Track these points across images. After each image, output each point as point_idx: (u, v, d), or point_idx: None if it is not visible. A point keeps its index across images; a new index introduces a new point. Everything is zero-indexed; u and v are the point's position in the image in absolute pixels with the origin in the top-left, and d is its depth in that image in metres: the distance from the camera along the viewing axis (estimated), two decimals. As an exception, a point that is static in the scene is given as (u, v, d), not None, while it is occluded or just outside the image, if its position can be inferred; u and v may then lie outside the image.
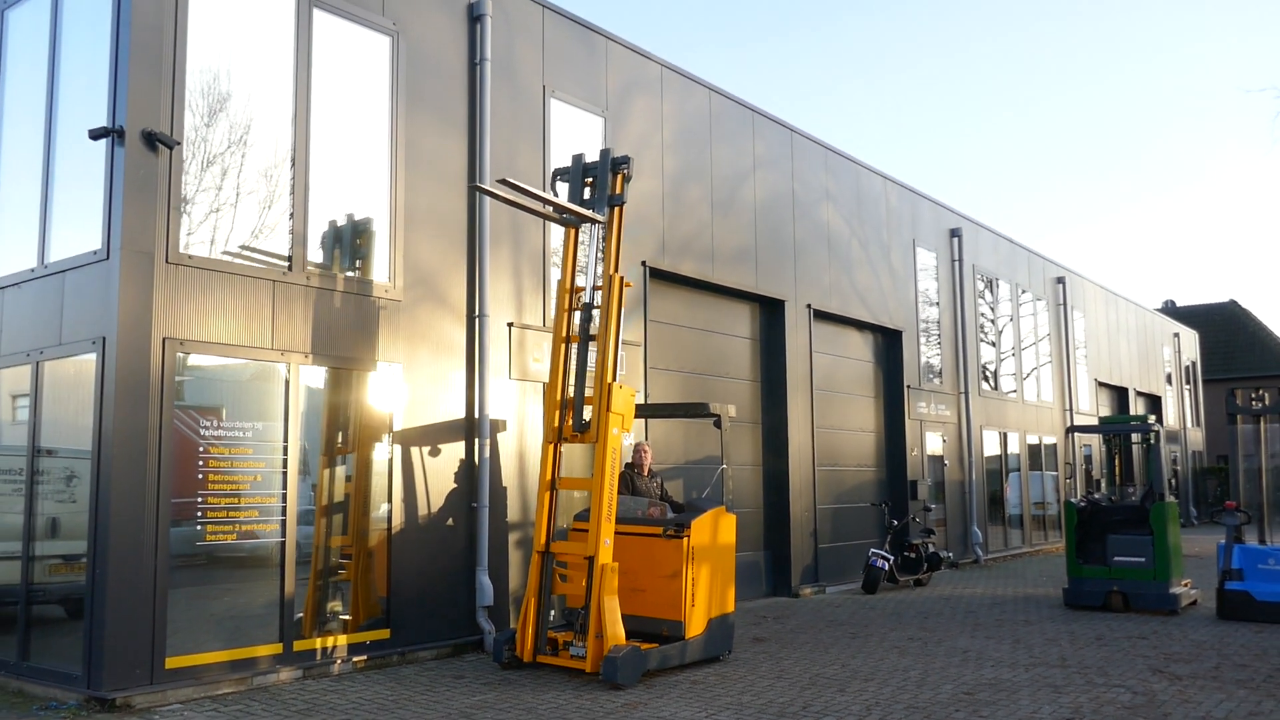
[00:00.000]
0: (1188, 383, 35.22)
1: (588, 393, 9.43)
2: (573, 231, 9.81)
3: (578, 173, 9.98)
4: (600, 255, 9.75)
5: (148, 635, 7.85)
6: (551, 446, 9.46)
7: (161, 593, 7.94)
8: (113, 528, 7.72)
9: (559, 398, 9.47)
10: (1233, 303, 46.45)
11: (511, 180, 8.99)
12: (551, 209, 9.75)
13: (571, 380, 9.53)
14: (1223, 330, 44.76)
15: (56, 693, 7.92)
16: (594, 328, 9.57)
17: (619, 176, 9.82)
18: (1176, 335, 34.31)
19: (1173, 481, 31.28)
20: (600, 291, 9.64)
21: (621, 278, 9.56)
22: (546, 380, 10.52)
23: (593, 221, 9.58)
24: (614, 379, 9.32)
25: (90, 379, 8.18)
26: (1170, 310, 45.37)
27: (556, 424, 9.46)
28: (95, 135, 8.10)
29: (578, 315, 9.64)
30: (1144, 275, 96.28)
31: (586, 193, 9.89)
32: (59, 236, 8.82)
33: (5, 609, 9.28)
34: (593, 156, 10.00)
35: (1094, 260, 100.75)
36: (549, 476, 9.44)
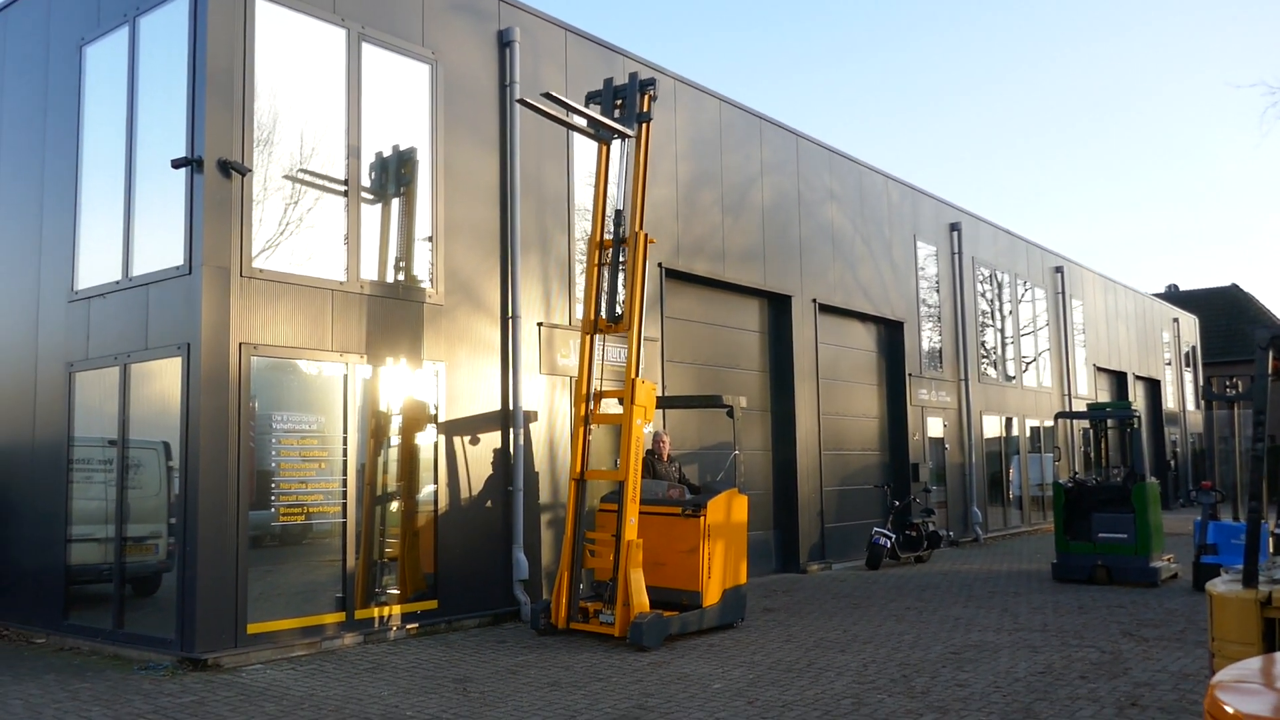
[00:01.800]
0: (1188, 366, 36.08)
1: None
2: (605, 149, 10.91)
3: (608, 95, 11.11)
4: (628, 174, 10.88)
5: (231, 604, 8.95)
6: (588, 338, 10.59)
7: (243, 567, 9.04)
8: (201, 510, 8.82)
9: (594, 295, 10.63)
10: (1234, 287, 47.21)
11: (553, 94, 10.18)
12: (587, 123, 10.85)
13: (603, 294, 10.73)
14: (1224, 314, 45.52)
15: (151, 655, 9.03)
16: (624, 232, 10.74)
17: (646, 96, 10.97)
18: (1176, 320, 35.16)
19: (1171, 462, 32.24)
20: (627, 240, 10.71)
21: (646, 235, 10.63)
22: (574, 374, 11.65)
23: (624, 135, 10.72)
24: (639, 349, 10.45)
25: (157, 380, 9.35)
26: (1173, 294, 46.15)
27: (593, 316, 10.62)
28: (177, 164, 9.16)
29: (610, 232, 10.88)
30: (1149, 261, 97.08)
31: (616, 114, 11.01)
32: (140, 252, 9.88)
33: (89, 585, 10.40)
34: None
35: (1100, 247, 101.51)
36: (584, 390, 10.46)
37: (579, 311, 12.39)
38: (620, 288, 10.63)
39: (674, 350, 14.20)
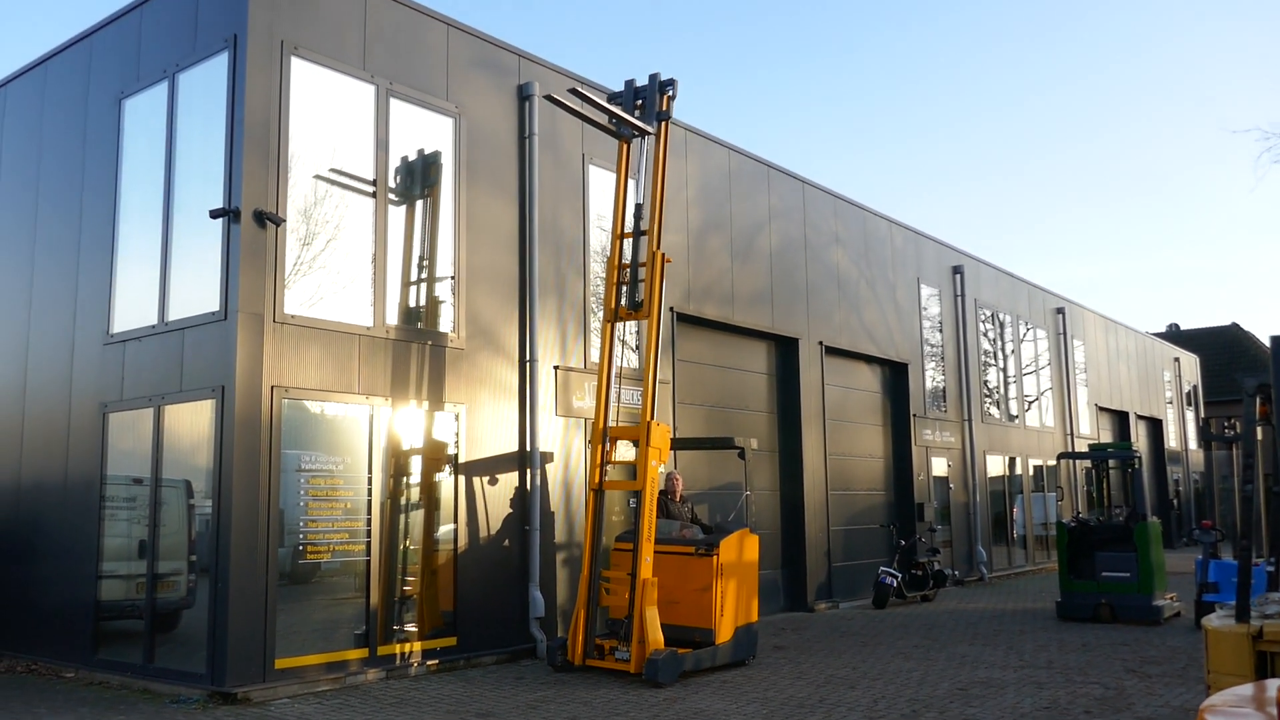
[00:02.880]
0: (1189, 405, 36.32)
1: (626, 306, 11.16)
2: (625, 147, 11.33)
3: (629, 96, 11.56)
4: (648, 173, 11.32)
5: (260, 640, 9.23)
6: (609, 325, 10.98)
7: (272, 604, 9.33)
8: (233, 549, 9.13)
9: (615, 278, 11.03)
10: (1235, 326, 47.54)
11: (579, 90, 10.65)
12: (609, 119, 11.24)
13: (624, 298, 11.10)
14: (1225, 353, 45.80)
15: (181, 689, 9.30)
16: (644, 224, 11.18)
17: (665, 96, 11.41)
18: (1177, 360, 35.47)
19: (1174, 502, 32.41)
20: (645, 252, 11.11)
21: (663, 254, 11.03)
22: (589, 416, 11.99)
23: (644, 133, 11.17)
24: (654, 390, 10.82)
25: (182, 421, 9.74)
26: (1174, 334, 46.52)
27: (614, 304, 10.99)
28: (215, 215, 9.57)
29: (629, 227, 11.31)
30: (1151, 300, 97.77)
31: (636, 114, 11.45)
32: (176, 297, 10.27)
33: (113, 622, 10.66)
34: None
35: (1101, 287, 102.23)
36: (605, 378, 10.81)
37: (594, 355, 12.75)
38: (640, 277, 11.04)
39: (685, 393, 14.55)
